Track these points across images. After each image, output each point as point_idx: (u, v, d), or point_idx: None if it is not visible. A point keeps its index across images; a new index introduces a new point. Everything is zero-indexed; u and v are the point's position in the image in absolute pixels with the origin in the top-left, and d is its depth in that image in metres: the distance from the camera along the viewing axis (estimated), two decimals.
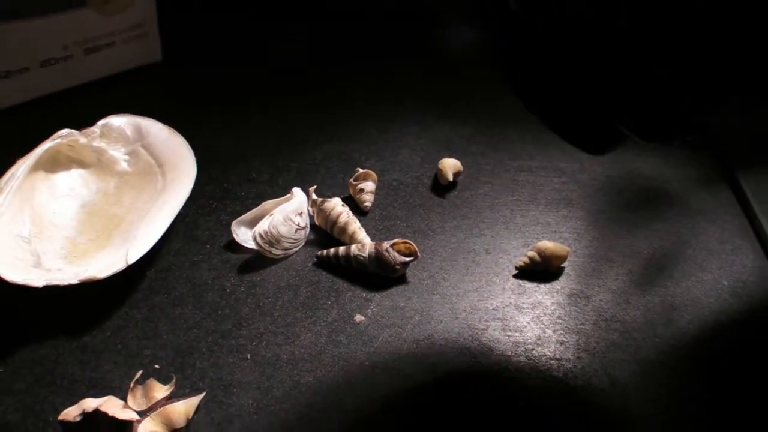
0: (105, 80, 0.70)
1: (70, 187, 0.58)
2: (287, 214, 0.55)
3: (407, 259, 0.54)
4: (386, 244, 0.54)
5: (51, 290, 0.50)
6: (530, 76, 0.41)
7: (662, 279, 0.57)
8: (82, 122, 0.59)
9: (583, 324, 0.53)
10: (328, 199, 0.57)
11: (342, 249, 0.55)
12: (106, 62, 0.70)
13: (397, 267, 0.54)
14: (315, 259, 0.56)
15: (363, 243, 0.55)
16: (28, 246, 0.53)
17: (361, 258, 0.54)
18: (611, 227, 0.61)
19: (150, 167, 0.59)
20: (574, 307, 0.54)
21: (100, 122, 0.60)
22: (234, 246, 0.56)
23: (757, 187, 0.66)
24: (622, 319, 0.54)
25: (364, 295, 0.54)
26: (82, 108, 0.67)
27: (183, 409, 0.47)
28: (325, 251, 0.56)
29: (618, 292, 0.56)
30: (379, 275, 0.55)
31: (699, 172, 0.68)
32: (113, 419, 0.45)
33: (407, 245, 0.55)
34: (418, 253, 0.55)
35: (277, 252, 0.55)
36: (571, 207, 0.62)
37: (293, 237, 0.56)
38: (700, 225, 0.62)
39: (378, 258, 0.54)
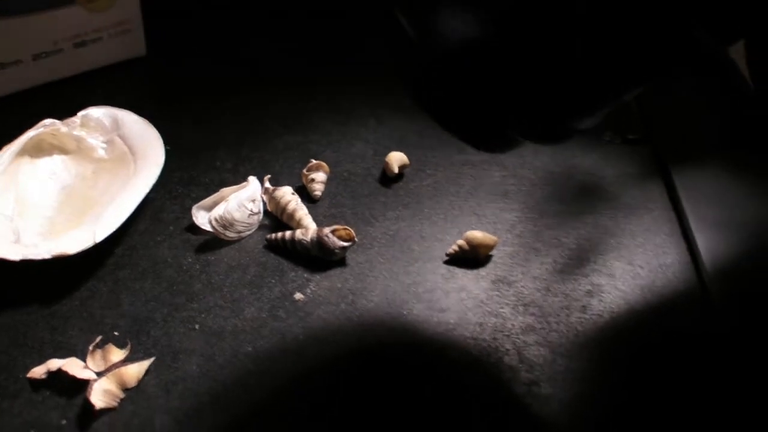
0: (92, 72, 0.77)
1: (52, 171, 0.65)
2: (241, 201, 0.62)
3: (345, 244, 0.60)
4: (327, 230, 0.60)
5: (27, 264, 0.57)
6: (429, 90, 0.46)
7: (584, 269, 0.63)
8: (69, 111, 0.66)
9: (502, 308, 0.59)
10: (279, 188, 0.64)
11: (288, 233, 0.61)
12: (94, 56, 0.76)
13: (337, 251, 0.60)
14: (265, 242, 0.62)
15: (307, 228, 0.62)
16: (10, 224, 0.60)
17: (305, 242, 0.60)
18: (542, 219, 0.66)
19: (124, 155, 0.66)
20: (496, 292, 0.60)
21: (81, 113, 0.66)
22: (194, 228, 0.63)
23: (687, 182, 0.71)
24: (540, 305, 0.60)
25: (305, 275, 0.60)
26: (69, 98, 0.74)
27: (135, 371, 0.53)
28: (274, 235, 0.62)
29: (540, 279, 0.62)
30: (321, 258, 0.61)
31: (635, 168, 0.73)
32: (73, 377, 0.52)
33: (347, 231, 0.61)
34: (356, 239, 0.61)
35: (231, 235, 0.62)
36: (507, 200, 0.68)
37: (246, 221, 0.62)
38: (628, 219, 0.68)
39: (319, 242, 0.60)
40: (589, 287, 0.61)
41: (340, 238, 0.61)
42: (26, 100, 0.74)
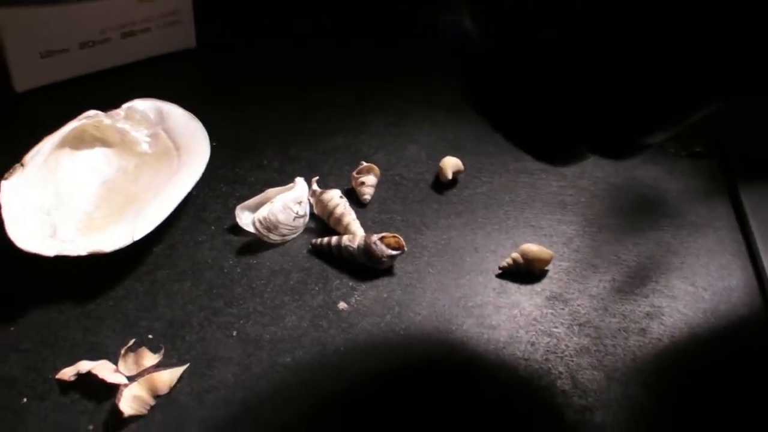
0: (140, 63, 0.75)
1: (93, 165, 0.63)
2: (287, 203, 0.59)
3: (394, 252, 0.57)
4: (375, 237, 0.57)
5: (63, 259, 0.55)
6: (489, 95, 0.43)
7: (644, 289, 0.59)
8: (114, 102, 0.64)
9: (556, 327, 0.56)
10: (327, 191, 0.61)
11: (334, 239, 0.59)
12: (142, 47, 0.74)
13: (384, 259, 0.57)
14: (310, 246, 0.60)
15: (355, 234, 0.59)
16: (47, 217, 0.58)
17: (351, 249, 0.58)
18: (601, 234, 0.63)
19: (168, 150, 0.64)
20: (551, 310, 0.57)
21: (125, 105, 0.64)
22: (237, 229, 0.60)
23: (755, 201, 0.67)
24: (596, 325, 0.56)
25: (350, 283, 0.57)
26: (116, 88, 0.72)
27: (167, 377, 0.51)
28: (319, 240, 0.59)
29: (597, 298, 0.58)
30: (367, 266, 0.58)
31: (701, 183, 0.69)
32: (103, 381, 0.50)
33: (396, 239, 0.58)
34: (405, 248, 0.58)
35: (275, 237, 0.59)
36: (564, 211, 0.64)
37: (291, 224, 0.59)
38: (692, 237, 0.64)
39: (366, 250, 0.57)
40: (649, 309, 0.58)
41: (389, 246, 0.58)
42: (71, 90, 0.72)
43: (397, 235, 0.58)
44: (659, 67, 0.37)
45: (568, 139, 0.43)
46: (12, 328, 0.54)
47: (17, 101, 0.71)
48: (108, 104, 0.64)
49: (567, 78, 0.39)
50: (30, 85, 0.71)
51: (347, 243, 0.58)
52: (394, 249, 0.58)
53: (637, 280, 0.60)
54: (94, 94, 0.71)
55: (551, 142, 0.44)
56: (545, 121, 0.41)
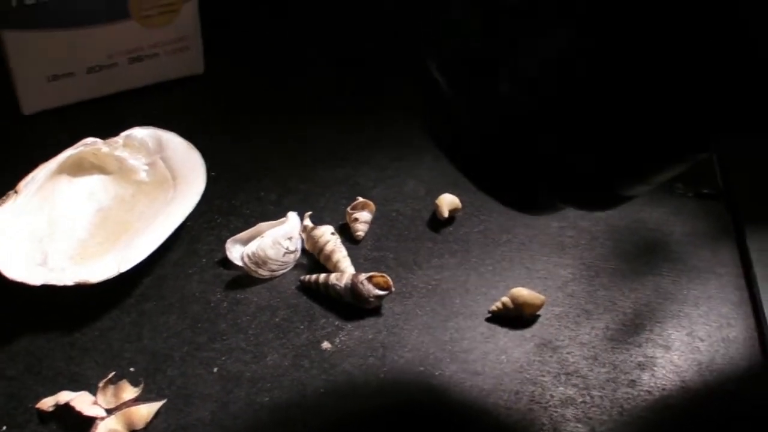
0: (145, 89, 0.75)
1: (91, 192, 0.63)
2: (276, 238, 0.59)
3: (381, 292, 0.57)
4: (362, 277, 0.57)
5: (51, 288, 0.55)
6: (455, 143, 0.42)
7: (638, 337, 0.58)
8: (116, 127, 0.65)
9: (543, 375, 0.55)
10: (319, 227, 0.61)
11: (322, 276, 0.58)
12: (149, 72, 0.75)
13: (371, 299, 0.57)
14: (299, 282, 0.59)
15: (343, 272, 0.58)
16: (39, 245, 0.58)
17: (338, 287, 0.57)
18: (598, 278, 0.62)
19: (165, 179, 0.64)
20: (539, 358, 0.56)
21: (124, 133, 0.64)
22: (227, 262, 0.60)
23: (763, 247, 0.65)
24: (584, 375, 0.55)
25: (336, 323, 0.57)
26: (122, 112, 0.72)
27: (145, 412, 0.51)
28: (308, 277, 0.59)
29: (587, 346, 0.57)
30: (355, 306, 0.57)
31: (707, 226, 0.68)
32: (79, 414, 0.50)
33: (384, 279, 0.57)
34: (393, 288, 0.57)
35: (264, 273, 0.59)
36: (562, 254, 0.63)
37: (281, 260, 0.59)
38: (692, 283, 0.62)
39: (353, 289, 0.57)
40: (642, 359, 0.56)
41: (377, 285, 0.57)
42: (78, 113, 0.73)
43: (385, 275, 0.57)
44: (628, 115, 0.36)
45: (538, 192, 0.42)
46: None
47: (25, 123, 0.72)
48: (114, 128, 0.65)
49: (529, 129, 0.38)
50: (37, 108, 0.72)
51: (334, 281, 0.57)
52: (381, 289, 0.57)
53: (631, 328, 0.59)
54: (100, 117, 0.72)
55: (522, 194, 0.43)
56: (515, 172, 0.41)
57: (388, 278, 0.57)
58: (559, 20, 0.35)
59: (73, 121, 0.72)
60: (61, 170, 0.62)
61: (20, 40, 0.68)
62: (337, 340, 0.56)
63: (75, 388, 0.52)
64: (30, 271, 0.55)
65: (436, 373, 0.55)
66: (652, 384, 0.55)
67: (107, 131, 0.64)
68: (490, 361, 0.56)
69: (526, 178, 0.40)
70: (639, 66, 0.34)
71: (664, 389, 0.55)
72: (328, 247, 0.60)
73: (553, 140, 0.37)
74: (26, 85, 0.70)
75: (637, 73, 0.34)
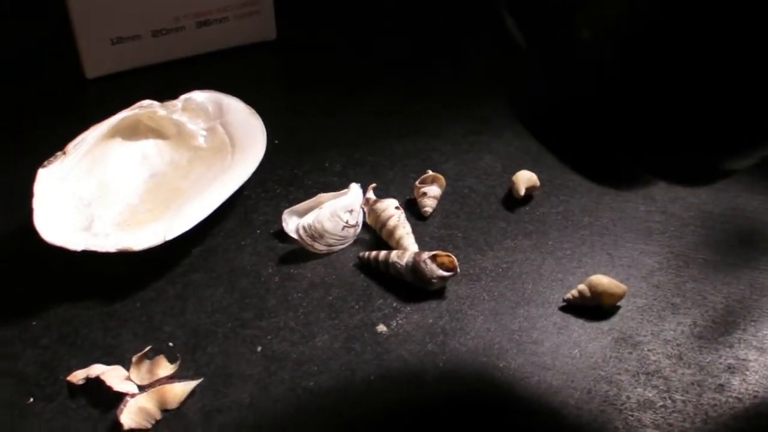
0: (213, 54, 0.72)
1: (144, 156, 0.60)
2: (335, 210, 0.55)
3: (445, 273, 0.52)
4: (426, 255, 0.52)
5: (93, 255, 0.52)
6: (536, 110, 0.37)
7: (729, 337, 0.52)
8: (179, 92, 0.61)
9: (619, 374, 0.49)
10: (382, 200, 0.56)
11: (383, 253, 0.54)
12: (217, 37, 0.71)
13: (434, 280, 0.52)
14: (357, 259, 0.55)
15: (406, 250, 0.54)
16: (86, 209, 0.55)
17: (398, 265, 0.52)
18: (687, 269, 0.55)
19: (224, 145, 0.60)
20: (616, 354, 0.50)
21: (183, 96, 0.61)
22: (283, 235, 0.56)
23: None
24: (666, 376, 0.49)
25: (395, 304, 0.52)
26: (186, 79, 0.69)
27: (179, 390, 0.47)
28: (367, 253, 0.54)
29: (672, 344, 0.51)
30: (416, 287, 0.53)
31: None
32: (110, 388, 0.46)
33: (449, 258, 0.52)
34: (458, 269, 0.52)
35: (320, 247, 0.55)
36: (649, 240, 0.57)
37: (339, 234, 0.55)
38: None
39: (414, 268, 0.52)
40: (732, 361, 0.50)
41: (441, 265, 0.52)
42: (142, 78, 0.70)
43: (450, 254, 0.52)
44: (737, 68, 0.30)
45: (629, 162, 0.37)
46: (34, 323, 0.51)
47: (87, 87, 0.69)
48: (173, 93, 0.61)
49: (619, 86, 0.32)
50: (100, 71, 0.69)
51: (395, 259, 0.53)
52: (446, 270, 0.52)
53: (721, 327, 0.52)
54: (162, 82, 0.69)
55: (605, 163, 0.38)
56: (603, 141, 0.35)
57: (454, 258, 0.52)
58: None
59: (134, 86, 0.69)
60: (115, 133, 0.59)
61: (84, 1, 0.65)
62: (394, 324, 0.51)
63: (109, 362, 0.49)
64: (72, 235, 0.52)
65: (501, 365, 0.49)
66: (742, 390, 0.49)
67: (167, 95, 0.61)
68: (561, 355, 0.50)
69: (611, 143, 0.35)
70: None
71: (756, 396, 0.48)
72: (391, 222, 0.55)
73: (643, 100, 0.32)
74: (90, 48, 0.68)
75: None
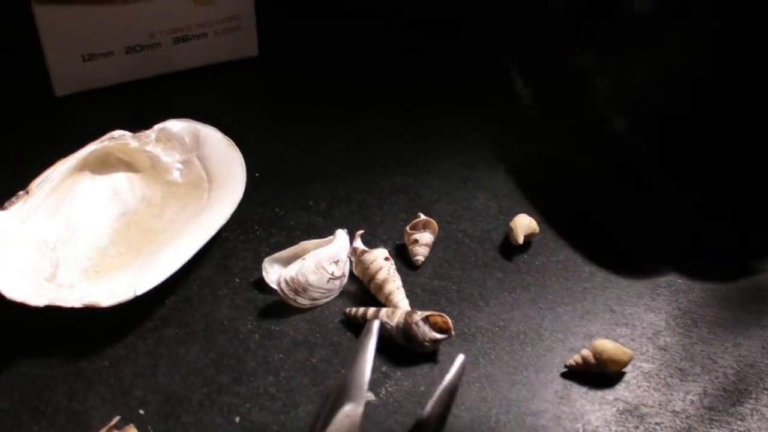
0: (190, 72, 0.67)
1: (115, 191, 0.56)
2: (320, 261, 0.51)
3: (439, 336, 0.48)
4: (418, 316, 0.48)
5: (57, 308, 0.47)
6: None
7: (740, 408, 0.48)
8: (158, 113, 0.58)
9: None
10: (371, 251, 0.52)
11: (371, 311, 0.50)
12: (196, 54, 0.67)
13: (426, 344, 0.48)
14: (343, 315, 0.51)
15: (396, 307, 0.50)
16: (51, 253, 0.51)
17: (388, 326, 0.49)
18: (696, 329, 0.52)
19: (200, 180, 0.56)
20: (622, 428, 0.47)
21: (157, 126, 0.57)
22: (263, 284, 0.52)
23: None
24: None
25: (384, 368, 0.49)
26: (162, 98, 0.66)
27: None
28: (353, 309, 0.50)
29: (681, 416, 0.48)
30: (406, 348, 0.49)
31: None
32: None
33: (443, 320, 0.49)
34: (453, 332, 0.48)
35: (303, 301, 0.51)
36: (655, 295, 0.54)
37: (324, 287, 0.51)
38: None
39: (406, 330, 0.48)
40: None
41: (434, 326, 0.49)
42: (114, 97, 0.65)
43: (444, 315, 0.49)
44: None
45: (647, 259, 0.33)
46: None
47: (56, 106, 0.65)
48: (153, 115, 0.58)
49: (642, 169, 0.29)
50: (70, 89, 0.64)
51: (385, 319, 0.49)
52: (439, 331, 0.48)
53: (733, 395, 0.49)
54: (139, 102, 0.64)
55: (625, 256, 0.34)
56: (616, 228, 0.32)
57: (448, 319, 0.49)
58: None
59: (110, 106, 0.64)
60: (83, 167, 0.55)
61: (53, 15, 0.61)
62: (383, 391, 0.48)
63: (74, 430, 0.45)
64: (34, 288, 0.48)
65: None
66: None
67: (143, 119, 0.56)
68: (563, 429, 0.46)
69: (634, 238, 0.31)
70: None
71: None
72: (380, 276, 0.51)
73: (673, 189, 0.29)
74: (59, 64, 0.63)
75: None
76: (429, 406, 0.43)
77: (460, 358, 0.44)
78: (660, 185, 0.29)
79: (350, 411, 0.40)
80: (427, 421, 0.43)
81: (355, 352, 0.42)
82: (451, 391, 0.43)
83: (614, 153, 0.30)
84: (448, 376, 0.43)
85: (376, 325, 0.43)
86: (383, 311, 0.50)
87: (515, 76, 0.32)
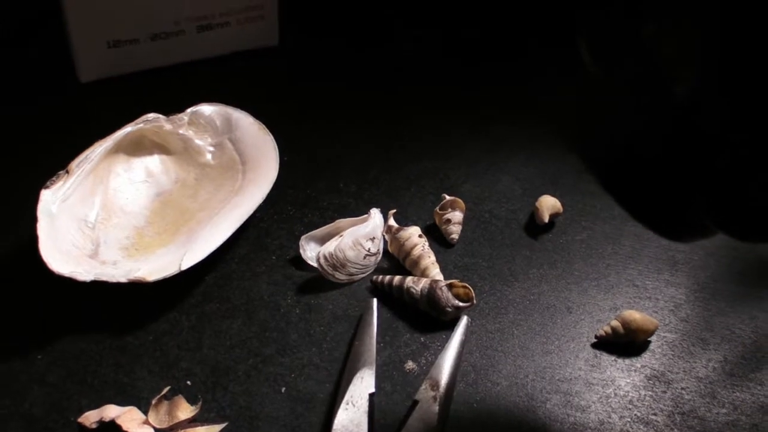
0: (215, 59, 0.69)
1: (150, 173, 0.57)
2: (357, 238, 0.52)
3: (461, 304, 0.50)
4: (443, 283, 0.50)
5: (101, 284, 0.49)
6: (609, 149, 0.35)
7: (759, 374, 0.50)
8: (184, 100, 0.58)
9: (655, 414, 0.48)
10: (405, 228, 0.54)
11: (397, 278, 0.51)
12: (219, 42, 0.68)
13: (448, 309, 0.50)
14: (370, 283, 0.52)
15: (422, 276, 0.51)
16: (91, 232, 0.52)
17: (413, 291, 0.50)
18: (714, 301, 0.54)
19: (233, 163, 0.57)
20: (650, 392, 0.49)
21: (190, 109, 0.58)
22: (300, 261, 0.53)
23: None
24: (702, 416, 0.48)
25: (422, 339, 0.50)
26: (187, 85, 0.66)
27: None
28: (380, 277, 0.52)
29: (705, 382, 0.50)
30: (436, 318, 0.51)
31: None
32: None
33: (465, 289, 0.50)
34: (474, 301, 0.50)
35: (341, 277, 0.52)
36: (674, 271, 0.56)
37: (360, 263, 0.52)
38: None
39: (430, 295, 0.50)
40: (765, 400, 0.49)
41: (457, 296, 0.50)
42: (139, 83, 0.66)
43: (467, 285, 0.50)
44: None
45: (700, 215, 0.35)
46: (39, 357, 0.48)
47: (81, 92, 0.66)
48: (177, 102, 0.58)
49: (707, 128, 0.31)
50: (95, 75, 0.65)
51: (410, 285, 0.51)
52: (462, 300, 0.50)
53: (752, 363, 0.51)
54: (163, 89, 0.65)
55: (674, 215, 0.36)
56: (672, 185, 0.34)
57: (471, 290, 0.50)
58: None
59: (135, 92, 0.65)
60: (118, 148, 0.55)
61: (82, 2, 0.61)
62: (423, 360, 0.49)
63: (123, 401, 0.46)
64: (80, 264, 0.49)
65: (536, 405, 0.48)
66: None
67: (170, 106, 0.57)
68: (595, 394, 0.48)
69: (685, 191, 0.33)
70: None
71: None
72: (416, 252, 0.53)
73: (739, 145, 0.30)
74: (84, 50, 0.64)
75: None
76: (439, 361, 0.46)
77: (464, 320, 0.49)
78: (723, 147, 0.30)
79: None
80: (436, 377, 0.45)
81: (361, 327, 0.49)
82: (459, 349, 0.48)
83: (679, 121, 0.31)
84: (455, 335, 0.48)
85: (375, 302, 0.49)
86: (409, 278, 0.51)
87: (584, 48, 0.34)
